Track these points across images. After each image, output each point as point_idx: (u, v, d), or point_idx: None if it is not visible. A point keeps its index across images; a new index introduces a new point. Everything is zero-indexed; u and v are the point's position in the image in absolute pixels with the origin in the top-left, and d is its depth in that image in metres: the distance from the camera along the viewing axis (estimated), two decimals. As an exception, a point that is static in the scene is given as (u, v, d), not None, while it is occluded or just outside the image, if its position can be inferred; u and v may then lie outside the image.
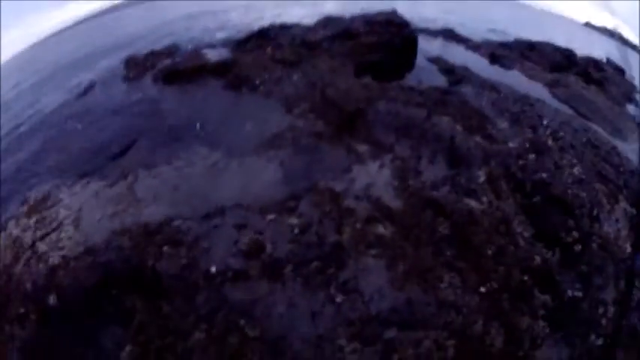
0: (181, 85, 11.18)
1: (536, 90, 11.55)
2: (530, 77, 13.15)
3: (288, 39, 12.01)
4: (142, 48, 17.36)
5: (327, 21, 13.27)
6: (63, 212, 5.93)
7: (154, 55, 15.72)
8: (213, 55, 12.66)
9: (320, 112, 7.76)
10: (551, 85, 12.90)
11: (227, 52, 12.75)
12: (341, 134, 7.18)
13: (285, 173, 6.31)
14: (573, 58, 17.08)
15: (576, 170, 6.72)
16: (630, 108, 14.00)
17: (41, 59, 29.04)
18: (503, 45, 16.21)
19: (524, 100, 9.50)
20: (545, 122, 7.91)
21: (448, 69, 12.14)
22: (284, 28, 13.30)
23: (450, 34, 17.15)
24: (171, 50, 15.82)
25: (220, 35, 17.54)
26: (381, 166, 6.19)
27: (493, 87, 10.17)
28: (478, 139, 6.69)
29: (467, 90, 9.28)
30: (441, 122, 7.06)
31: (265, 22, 15.54)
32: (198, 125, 8.10)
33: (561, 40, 25.39)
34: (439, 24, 19.54)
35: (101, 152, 7.87)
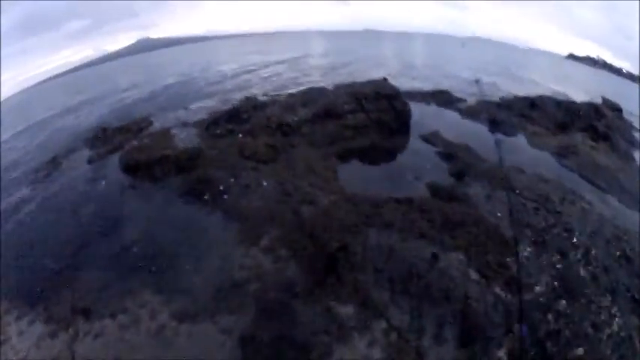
0: (143, 182, 9.72)
1: (549, 168, 10.13)
2: (538, 147, 11.82)
3: (263, 121, 10.61)
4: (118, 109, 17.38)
5: (308, 96, 12.03)
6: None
7: (123, 132, 14.42)
8: (179, 141, 11.24)
9: (293, 247, 6.09)
10: (561, 155, 11.57)
11: (195, 137, 11.28)
12: (319, 284, 5.47)
13: (244, 350, 4.60)
14: (574, 110, 16.05)
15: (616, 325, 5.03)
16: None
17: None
18: (502, 106, 15.07)
19: (542, 197, 7.96)
20: (574, 239, 6.35)
21: (448, 154, 10.63)
22: (258, 108, 11.90)
23: (442, 98, 16.04)
24: (141, 126, 14.48)
25: (198, 105, 16.29)
26: (371, 344, 4.44)
27: (503, 178, 8.67)
28: (498, 290, 5.00)
29: (476, 191, 7.75)
30: (450, 267, 5.39)
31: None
32: (153, 268, 6.45)
33: (555, 84, 24.96)
34: (428, 83, 18.55)
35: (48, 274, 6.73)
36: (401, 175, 8.95)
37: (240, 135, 10.06)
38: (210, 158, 9.07)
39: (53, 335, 5.44)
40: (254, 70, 25.09)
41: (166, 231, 7.35)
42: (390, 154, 9.98)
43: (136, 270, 6.60)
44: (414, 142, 10.66)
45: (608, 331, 4.95)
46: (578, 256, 6.39)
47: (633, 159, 13.10)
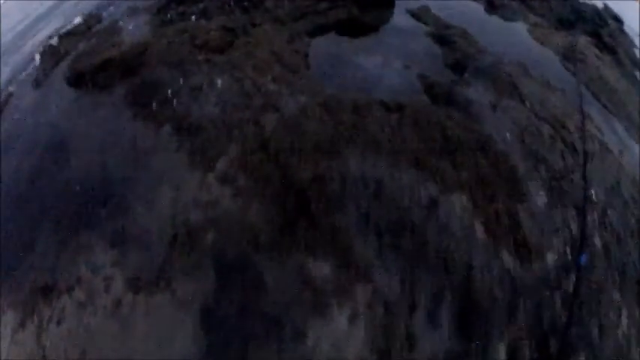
0: (88, 95, 8.28)
1: (555, 73, 8.42)
2: (540, 43, 9.88)
3: (217, 2, 8.61)
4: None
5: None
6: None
7: (70, 37, 12.04)
8: (125, 36, 9.19)
9: (254, 174, 5.03)
10: (566, 58, 9.81)
11: (143, 27, 9.31)
12: (289, 231, 4.65)
13: (206, 329, 4.06)
14: (578, 9, 13.63)
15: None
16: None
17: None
18: None
19: (556, 121, 6.69)
20: (592, 193, 5.40)
21: (442, 37, 8.51)
22: None
23: None
24: (89, 24, 11.95)
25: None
26: (352, 320, 3.87)
27: (509, 83, 7.24)
28: (506, 257, 4.28)
29: (478, 96, 6.30)
30: (452, 218, 4.50)
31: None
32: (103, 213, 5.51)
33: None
34: None
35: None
36: (387, 63, 7.24)
37: (193, 17, 8.28)
38: (157, 53, 7.33)
39: (23, 326, 4.80)
40: None
41: (114, 159, 6.14)
42: (373, 32, 8.14)
43: (87, 218, 5.70)
44: (401, 18, 8.61)
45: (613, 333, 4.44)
46: (595, 216, 5.53)
47: (638, 81, 11.41)
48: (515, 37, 9.48)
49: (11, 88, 10.11)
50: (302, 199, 4.87)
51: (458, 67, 7.40)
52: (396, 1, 9.17)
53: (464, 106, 5.89)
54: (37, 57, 11.86)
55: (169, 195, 5.45)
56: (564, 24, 13.09)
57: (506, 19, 10.19)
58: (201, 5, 8.40)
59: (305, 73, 6.52)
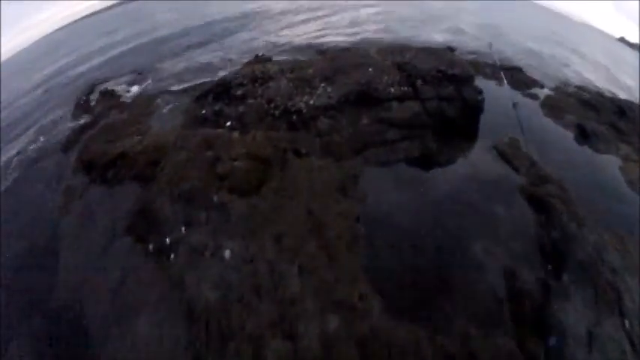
0: (93, 189, 7.17)
1: None
2: (632, 186, 8.45)
3: (263, 103, 6.77)
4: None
5: (336, 65, 7.94)
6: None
7: (107, 96, 11.46)
8: (152, 122, 8.60)
9: None
10: None
11: (173, 117, 8.44)
12: None
13: None
14: None
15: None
16: None
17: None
18: (588, 104, 11.35)
19: None
20: None
21: (539, 200, 6.71)
22: (258, 80, 7.88)
23: (515, 77, 11.75)
24: (128, 87, 11.37)
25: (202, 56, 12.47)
26: None
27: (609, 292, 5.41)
28: None
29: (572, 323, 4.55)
30: None
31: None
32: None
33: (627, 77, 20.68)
34: (487, 51, 14.22)
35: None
36: (465, 245, 5.38)
37: (229, 124, 6.47)
38: (172, 167, 5.77)
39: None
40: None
41: (99, 296, 4.83)
42: (451, 178, 6.37)
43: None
44: (486, 158, 7.15)
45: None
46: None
47: None
48: (610, 181, 7.79)
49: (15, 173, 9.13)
50: None
51: (555, 258, 5.56)
52: (481, 129, 7.87)
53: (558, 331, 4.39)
54: (74, 107, 11.12)
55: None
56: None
57: (597, 149, 8.76)
58: (241, 108, 6.80)
59: (352, 258, 4.55)
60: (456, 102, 7.84)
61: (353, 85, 7.18)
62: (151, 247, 5.41)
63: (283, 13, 21.75)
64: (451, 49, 12.17)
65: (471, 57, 13.02)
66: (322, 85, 7.19)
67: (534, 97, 11.18)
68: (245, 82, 7.34)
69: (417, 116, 7.28)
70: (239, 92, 7.15)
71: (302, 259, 4.23)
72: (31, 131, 11.04)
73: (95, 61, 17.94)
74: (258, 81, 7.39)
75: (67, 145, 9.16)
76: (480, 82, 9.30)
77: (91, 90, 12.45)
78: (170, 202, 5.69)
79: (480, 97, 8.23)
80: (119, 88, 11.68)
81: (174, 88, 10.32)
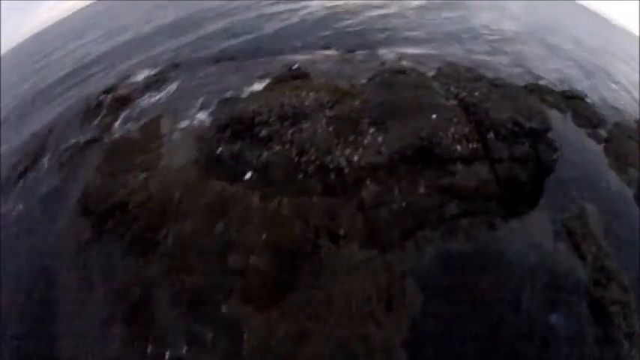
0: (89, 242, 6.19)
1: None
2: None
3: (292, 154, 5.07)
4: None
5: (388, 108, 6.11)
6: None
7: (119, 102, 10.27)
8: (164, 160, 7.21)
9: None
10: None
11: (186, 155, 7.00)
12: None
13: None
14: None
15: None
16: None
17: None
18: None
19: None
20: None
21: (596, 275, 5.76)
22: (289, 118, 6.05)
23: (578, 111, 9.59)
24: (142, 96, 10.17)
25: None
26: None
27: None
28: None
29: None
30: None
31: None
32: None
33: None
34: (538, 70, 11.65)
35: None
36: None
37: (248, 175, 4.85)
38: (176, 240, 4.38)
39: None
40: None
41: None
42: (510, 277, 4.98)
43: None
44: (553, 245, 5.77)
45: None
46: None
47: None
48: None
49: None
50: None
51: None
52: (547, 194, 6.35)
53: None
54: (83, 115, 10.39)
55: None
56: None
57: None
58: (265, 154, 4.99)
59: None
60: (529, 163, 6.30)
61: (411, 137, 5.57)
62: (149, 350, 4.21)
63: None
64: (529, 89, 9.34)
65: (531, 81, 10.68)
66: (371, 131, 5.50)
67: (598, 138, 9.47)
68: (271, 119, 5.56)
69: (485, 184, 5.74)
70: (263, 133, 5.44)
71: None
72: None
73: (111, 59, 16.42)
74: (288, 120, 5.59)
75: (69, 168, 8.23)
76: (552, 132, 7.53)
77: (105, 91, 11.22)
78: (171, 302, 4.37)
79: (555, 157, 6.70)
80: (133, 94, 10.42)
81: (191, 104, 8.67)
